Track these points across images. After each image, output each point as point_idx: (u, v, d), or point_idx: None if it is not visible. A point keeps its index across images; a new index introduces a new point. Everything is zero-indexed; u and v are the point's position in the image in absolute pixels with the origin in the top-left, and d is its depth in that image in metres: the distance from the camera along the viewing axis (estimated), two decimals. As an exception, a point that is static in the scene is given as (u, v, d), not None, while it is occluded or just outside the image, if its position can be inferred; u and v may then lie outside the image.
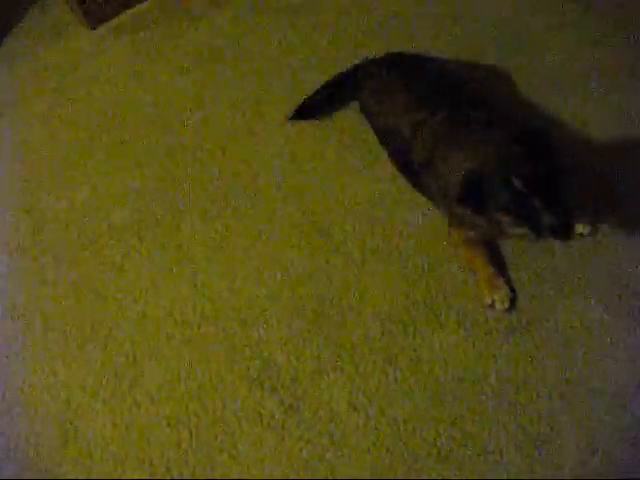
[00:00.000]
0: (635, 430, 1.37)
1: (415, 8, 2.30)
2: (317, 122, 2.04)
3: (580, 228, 1.63)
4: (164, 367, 1.66)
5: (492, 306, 1.58)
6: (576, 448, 1.37)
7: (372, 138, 1.91)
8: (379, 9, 2.33)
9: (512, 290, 1.59)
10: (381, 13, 2.31)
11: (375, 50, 2.06)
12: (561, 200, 1.35)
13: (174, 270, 1.81)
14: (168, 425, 1.58)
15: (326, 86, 2.04)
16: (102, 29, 2.47)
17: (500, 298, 1.57)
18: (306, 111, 2.04)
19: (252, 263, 1.78)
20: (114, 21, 2.49)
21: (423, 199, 1.75)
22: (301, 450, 1.48)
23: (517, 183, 1.33)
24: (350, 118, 2.03)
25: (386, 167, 1.86)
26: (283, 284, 1.73)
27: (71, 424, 1.60)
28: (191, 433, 1.55)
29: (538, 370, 1.49)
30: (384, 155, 1.87)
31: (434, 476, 1.40)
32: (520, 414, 1.44)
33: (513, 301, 1.58)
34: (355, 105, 2.00)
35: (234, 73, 2.24)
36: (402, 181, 1.81)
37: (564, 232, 1.34)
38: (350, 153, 1.95)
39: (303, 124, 2.06)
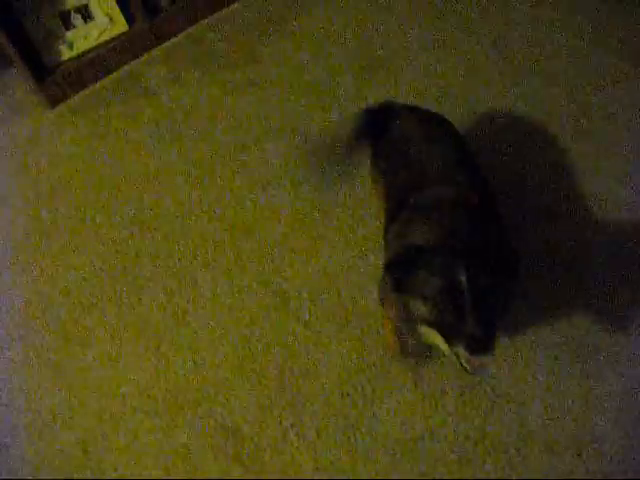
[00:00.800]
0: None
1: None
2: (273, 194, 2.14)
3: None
4: (129, 439, 1.67)
5: None
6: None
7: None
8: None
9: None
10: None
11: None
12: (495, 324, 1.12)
13: (138, 344, 1.84)
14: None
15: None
16: (61, 108, 2.55)
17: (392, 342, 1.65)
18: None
19: (214, 335, 1.83)
20: (73, 100, 2.57)
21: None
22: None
23: (462, 279, 1.10)
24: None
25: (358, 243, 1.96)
26: (245, 355, 1.78)
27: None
28: None
29: (495, 425, 1.57)
30: (361, 230, 1.97)
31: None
32: (478, 469, 1.50)
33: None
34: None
35: (193, 146, 2.33)
36: (372, 258, 1.92)
37: (482, 348, 1.08)
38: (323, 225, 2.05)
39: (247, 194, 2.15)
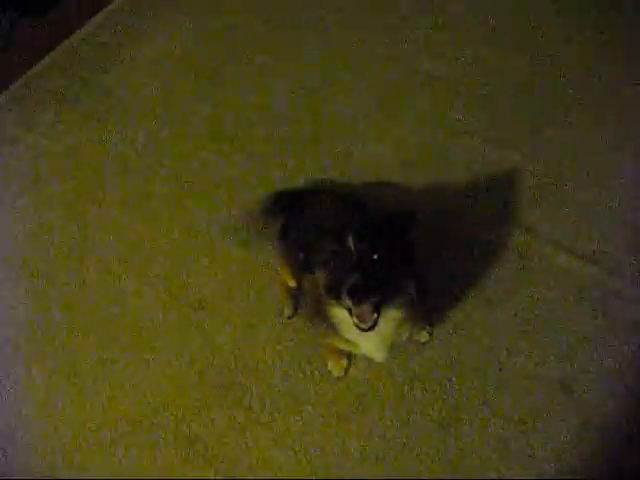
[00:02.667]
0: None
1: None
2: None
3: (422, 338, 1.79)
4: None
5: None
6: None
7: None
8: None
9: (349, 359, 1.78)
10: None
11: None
12: (385, 279, 1.26)
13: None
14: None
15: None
16: None
17: (334, 368, 1.78)
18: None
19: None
20: None
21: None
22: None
23: (350, 240, 1.25)
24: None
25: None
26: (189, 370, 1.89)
27: None
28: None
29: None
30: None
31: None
32: None
33: (347, 370, 1.79)
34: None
35: (62, 187, 2.35)
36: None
37: (361, 296, 1.20)
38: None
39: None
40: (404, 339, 1.51)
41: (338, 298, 1.26)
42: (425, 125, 2.28)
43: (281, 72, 2.56)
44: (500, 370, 1.73)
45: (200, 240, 2.12)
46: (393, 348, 1.47)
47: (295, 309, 1.88)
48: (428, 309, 1.74)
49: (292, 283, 1.81)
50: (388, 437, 1.68)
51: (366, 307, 1.24)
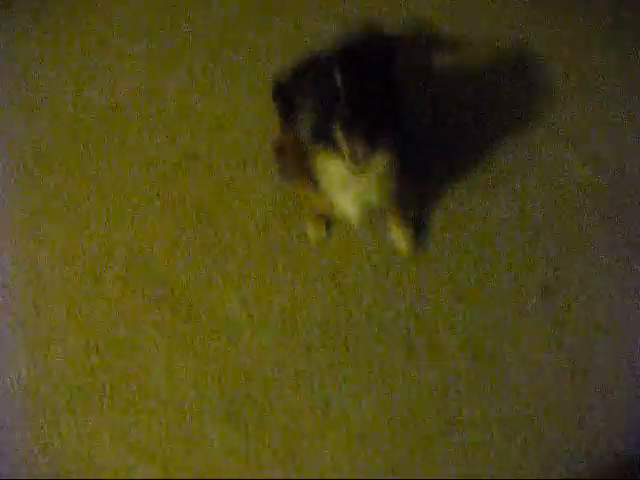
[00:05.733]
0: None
1: None
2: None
3: (402, 244, 1.68)
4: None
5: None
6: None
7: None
8: None
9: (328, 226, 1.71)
10: None
11: None
12: (377, 115, 1.17)
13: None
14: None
15: None
16: None
17: (312, 234, 1.71)
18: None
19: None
20: None
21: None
22: (207, 347, 1.65)
23: (336, 74, 1.14)
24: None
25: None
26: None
27: None
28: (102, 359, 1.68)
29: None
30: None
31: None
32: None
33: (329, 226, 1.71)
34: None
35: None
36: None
37: (354, 129, 1.13)
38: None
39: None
40: (385, 207, 1.41)
41: (327, 139, 1.17)
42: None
43: None
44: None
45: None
46: (371, 214, 1.39)
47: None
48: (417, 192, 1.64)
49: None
50: (357, 303, 1.65)
51: (359, 142, 1.14)
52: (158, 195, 1.84)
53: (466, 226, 1.71)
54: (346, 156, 1.17)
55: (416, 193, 1.69)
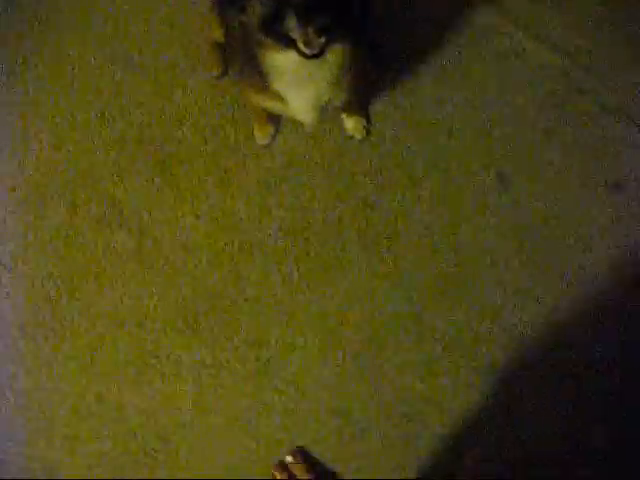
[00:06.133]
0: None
1: None
2: None
3: (357, 133, 1.63)
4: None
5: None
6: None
7: None
8: None
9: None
10: None
11: None
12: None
13: None
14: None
15: None
16: None
17: (259, 134, 1.65)
18: None
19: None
20: None
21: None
22: (162, 266, 1.63)
23: None
24: None
25: None
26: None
27: None
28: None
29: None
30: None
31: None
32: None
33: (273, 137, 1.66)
34: None
35: None
36: None
37: (310, 14, 1.01)
38: None
39: None
40: (338, 103, 1.34)
41: (279, 26, 1.04)
42: None
43: None
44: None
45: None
46: (324, 112, 1.31)
47: (224, 67, 1.66)
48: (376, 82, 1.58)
49: (219, 34, 1.55)
50: (311, 209, 1.63)
51: (313, 30, 1.03)
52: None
53: (418, 111, 1.67)
54: (299, 43, 1.07)
55: (370, 80, 1.61)
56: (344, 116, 1.62)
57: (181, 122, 1.68)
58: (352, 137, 1.65)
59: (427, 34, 1.70)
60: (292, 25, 1.03)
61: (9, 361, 1.62)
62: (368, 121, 1.65)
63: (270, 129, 1.64)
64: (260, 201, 1.64)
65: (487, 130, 1.66)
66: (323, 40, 1.07)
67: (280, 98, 1.27)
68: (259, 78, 1.23)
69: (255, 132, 1.64)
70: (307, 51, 1.07)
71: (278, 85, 1.22)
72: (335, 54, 1.16)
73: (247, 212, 1.64)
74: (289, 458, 1.53)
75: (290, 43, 1.08)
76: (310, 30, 1.04)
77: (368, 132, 1.65)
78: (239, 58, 1.30)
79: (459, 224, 1.62)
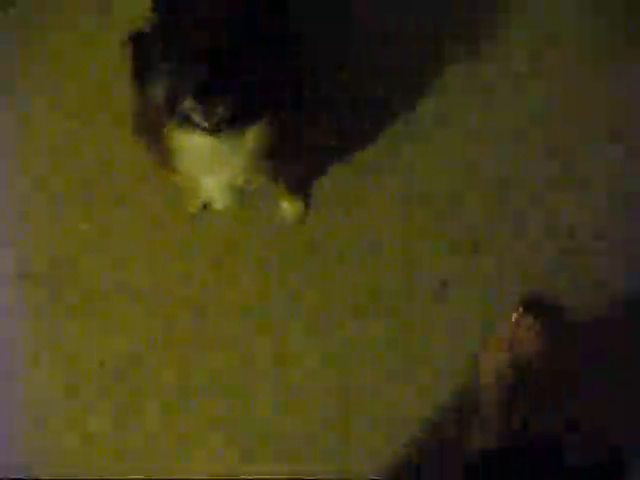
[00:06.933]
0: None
1: None
2: None
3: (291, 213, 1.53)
4: None
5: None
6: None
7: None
8: None
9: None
10: None
11: None
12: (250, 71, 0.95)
13: None
14: None
15: None
16: None
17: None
18: None
19: None
20: None
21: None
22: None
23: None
24: None
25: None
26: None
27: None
28: None
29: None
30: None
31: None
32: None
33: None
34: None
35: None
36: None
37: (208, 94, 0.91)
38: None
39: None
40: (258, 186, 1.21)
41: (179, 107, 0.93)
42: None
43: None
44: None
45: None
46: (243, 195, 1.19)
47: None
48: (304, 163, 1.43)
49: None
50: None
51: (218, 109, 0.92)
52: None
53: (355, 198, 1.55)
54: (196, 120, 0.94)
55: (302, 164, 1.48)
56: (279, 197, 1.50)
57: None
58: (285, 219, 1.53)
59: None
60: (189, 105, 0.92)
61: None
62: (306, 204, 1.53)
63: (197, 204, 1.51)
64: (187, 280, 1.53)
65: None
66: (222, 111, 0.93)
67: (191, 181, 1.17)
68: (168, 157, 1.11)
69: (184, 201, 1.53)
70: (205, 124, 0.94)
71: (186, 169, 1.11)
72: (251, 135, 1.03)
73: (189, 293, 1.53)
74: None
75: (194, 124, 0.96)
76: (214, 110, 0.92)
77: (304, 215, 1.53)
78: (148, 133, 1.16)
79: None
